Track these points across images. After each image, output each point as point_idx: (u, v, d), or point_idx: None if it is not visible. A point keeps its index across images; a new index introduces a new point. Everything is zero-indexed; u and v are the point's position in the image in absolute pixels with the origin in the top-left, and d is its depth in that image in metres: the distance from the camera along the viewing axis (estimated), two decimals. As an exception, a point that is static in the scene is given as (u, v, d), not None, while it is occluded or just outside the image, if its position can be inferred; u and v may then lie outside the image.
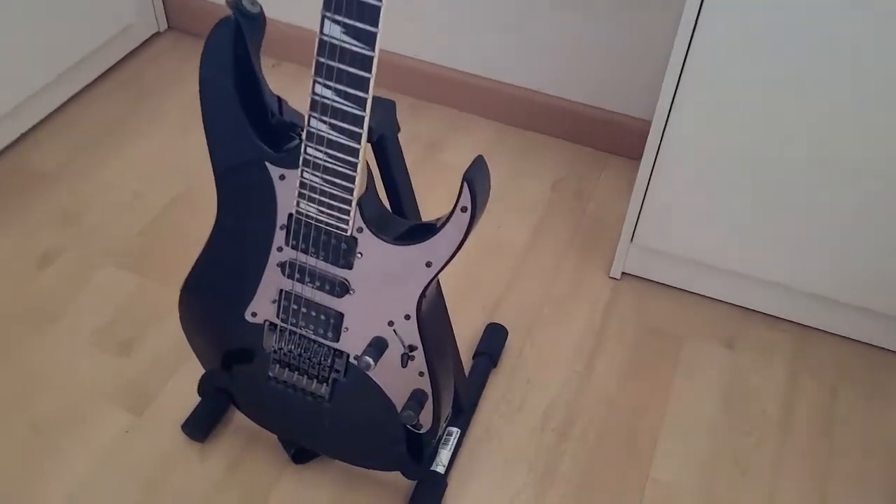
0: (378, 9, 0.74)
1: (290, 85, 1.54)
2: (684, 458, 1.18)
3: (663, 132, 1.21)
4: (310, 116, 0.83)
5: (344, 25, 0.76)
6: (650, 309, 1.37)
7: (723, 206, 1.26)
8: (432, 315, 0.96)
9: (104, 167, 1.51)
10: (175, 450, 1.12)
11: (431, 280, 0.89)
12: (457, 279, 1.31)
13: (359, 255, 0.90)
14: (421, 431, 1.00)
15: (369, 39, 0.77)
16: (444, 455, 1.10)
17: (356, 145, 0.83)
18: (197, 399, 1.12)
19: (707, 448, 1.20)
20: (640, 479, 1.15)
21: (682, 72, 1.15)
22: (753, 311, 1.38)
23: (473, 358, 1.25)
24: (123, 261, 1.35)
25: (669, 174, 1.25)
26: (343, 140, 0.83)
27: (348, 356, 0.97)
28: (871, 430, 1.23)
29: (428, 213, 0.95)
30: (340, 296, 0.93)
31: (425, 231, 0.88)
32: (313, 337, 0.97)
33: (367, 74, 0.79)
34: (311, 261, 0.92)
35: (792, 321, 1.37)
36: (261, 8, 0.84)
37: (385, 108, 0.88)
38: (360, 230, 0.89)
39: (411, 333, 0.93)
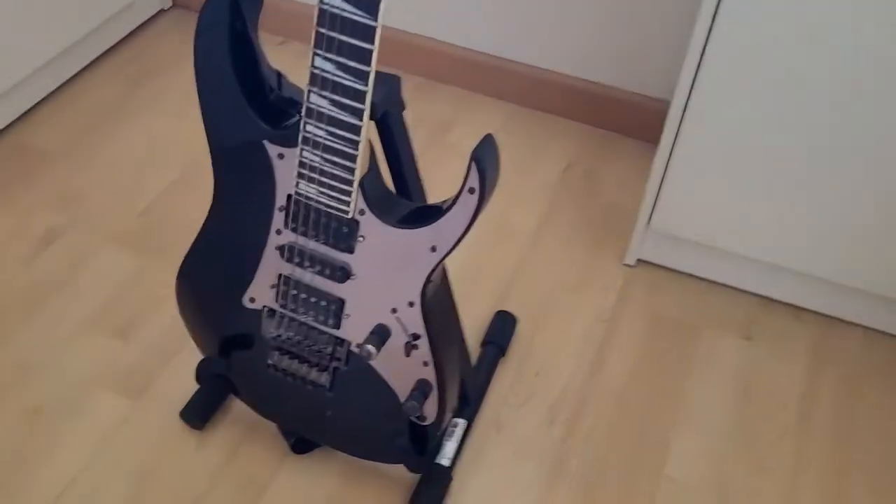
0: (380, -25, 0.70)
1: (297, 64, 1.49)
2: (699, 455, 1.14)
3: (683, 113, 1.17)
4: (309, 91, 0.79)
5: (344, -7, 0.72)
6: (665, 298, 1.33)
7: (744, 191, 1.21)
8: (438, 302, 0.92)
9: (106, 147, 1.47)
10: (172, 437, 1.09)
11: (437, 265, 0.85)
12: (463, 264, 1.27)
13: (360, 239, 0.86)
14: (425, 423, 0.96)
15: (371, 7, 0.72)
16: (450, 447, 1.06)
17: (358, 122, 0.79)
18: (196, 386, 1.08)
19: (723, 444, 1.15)
20: (651, 476, 1.11)
21: (704, 51, 1.11)
22: (773, 300, 1.33)
23: (481, 346, 1.21)
24: (124, 242, 1.32)
25: (689, 157, 1.21)
26: (344, 117, 0.79)
27: (350, 344, 0.93)
28: None
29: (434, 197, 0.91)
30: (341, 281, 0.89)
31: (431, 214, 0.83)
32: (313, 324, 0.93)
33: (369, 46, 0.75)
34: (311, 244, 0.88)
35: (813, 311, 1.32)
36: (258, -24, 0.80)
37: (389, 84, 0.83)
38: (361, 212, 0.84)
39: (415, 321, 0.89)
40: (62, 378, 1.14)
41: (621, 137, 1.58)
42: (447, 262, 0.86)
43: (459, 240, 0.83)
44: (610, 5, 1.48)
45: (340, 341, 0.93)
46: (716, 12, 1.07)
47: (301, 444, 1.07)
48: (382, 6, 0.72)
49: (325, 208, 0.85)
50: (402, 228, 0.84)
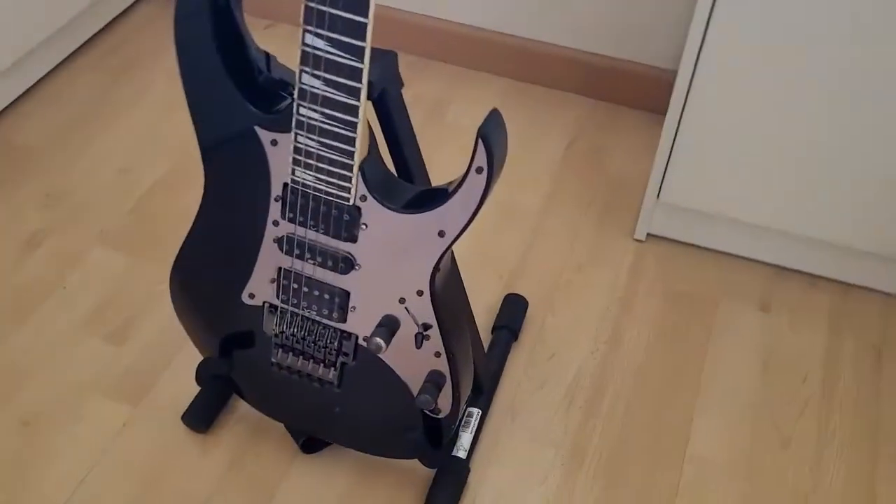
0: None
1: (287, 47, 1.44)
2: (722, 432, 1.10)
3: (690, 82, 1.13)
4: (301, 72, 0.74)
5: (335, -37, 0.67)
6: (679, 272, 1.28)
7: (756, 159, 1.17)
8: (447, 289, 0.87)
9: (90, 143, 1.42)
10: (176, 442, 1.04)
11: (445, 251, 0.80)
12: (469, 248, 1.22)
13: (363, 227, 0.81)
14: (439, 416, 0.92)
15: (364, -23, 0.67)
16: (465, 438, 1.02)
17: (355, 102, 0.74)
18: (197, 388, 1.04)
19: (746, 420, 1.12)
20: (675, 456, 1.07)
21: (709, 17, 1.06)
22: (790, 269, 1.29)
23: (492, 332, 1.16)
24: (114, 241, 1.27)
25: (698, 126, 1.16)
26: (340, 97, 0.74)
27: (357, 338, 0.88)
28: (922, 393, 1.15)
29: (436, 179, 0.86)
30: (345, 272, 0.84)
31: (436, 197, 0.79)
32: (317, 318, 0.88)
33: (363, 19, 0.70)
34: (310, 235, 0.83)
35: (831, 279, 1.28)
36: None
37: (386, 61, 0.79)
38: (363, 198, 0.80)
39: (425, 311, 0.84)
40: (57, 385, 1.09)
41: (624, 109, 1.53)
42: (453, 246, 0.81)
43: (468, 223, 0.78)
44: (607, -29, 1.42)
45: (347, 335, 0.89)
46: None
47: (310, 444, 1.03)
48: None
49: (325, 196, 0.80)
50: (407, 213, 0.79)
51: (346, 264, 0.84)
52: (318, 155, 0.78)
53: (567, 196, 1.39)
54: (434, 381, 0.88)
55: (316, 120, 0.76)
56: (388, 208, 0.79)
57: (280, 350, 0.93)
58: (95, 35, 1.60)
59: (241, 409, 1.07)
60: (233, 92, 0.78)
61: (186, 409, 1.04)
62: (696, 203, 1.25)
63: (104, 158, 1.39)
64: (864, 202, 1.17)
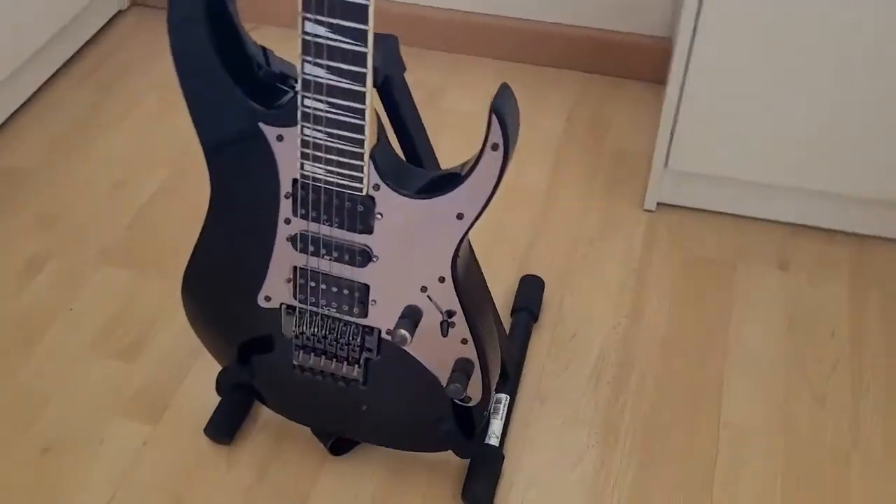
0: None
1: (274, 48, 1.41)
2: (755, 396, 1.08)
3: (690, 47, 1.11)
4: (303, 62, 0.71)
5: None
6: (693, 238, 1.26)
7: (762, 117, 1.15)
8: (468, 274, 0.85)
9: (82, 161, 1.39)
10: (200, 457, 1.02)
11: (465, 234, 0.78)
12: (479, 232, 1.18)
13: (378, 217, 0.79)
14: (470, 405, 0.89)
15: (364, -46, 0.64)
16: (496, 426, 1.00)
17: (361, 88, 0.71)
18: (216, 398, 1.01)
19: (778, 381, 1.10)
20: (710, 425, 1.05)
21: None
22: (805, 226, 1.27)
23: (511, 315, 1.14)
24: (115, 257, 1.24)
25: (702, 89, 1.15)
26: (346, 84, 0.72)
27: (380, 332, 0.86)
28: (950, 337, 1.14)
29: (442, 165, 0.84)
30: (363, 265, 0.82)
31: (451, 179, 0.76)
32: (338, 315, 0.86)
33: (364, 1, 0.67)
34: (324, 230, 0.81)
35: (847, 232, 1.26)
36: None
37: (387, 45, 0.76)
38: (376, 187, 0.77)
39: (448, 297, 0.82)
40: (74, 408, 1.06)
41: (621, 81, 1.51)
42: (470, 230, 0.79)
43: (487, 203, 0.76)
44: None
45: (370, 330, 0.86)
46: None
47: (339, 445, 1.00)
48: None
49: (336, 188, 0.78)
50: (423, 199, 0.77)
51: (364, 257, 0.81)
52: (327, 146, 0.75)
53: (572, 172, 1.36)
54: (462, 369, 0.86)
55: (322, 110, 0.73)
56: (403, 195, 0.77)
57: (301, 352, 0.90)
58: (78, 52, 1.57)
59: (264, 416, 1.05)
60: (234, 91, 0.76)
61: (208, 422, 1.02)
62: (704, 167, 1.23)
63: (97, 174, 1.36)
64: (875, 151, 1.15)
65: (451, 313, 0.83)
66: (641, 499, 0.99)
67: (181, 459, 1.02)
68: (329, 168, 0.77)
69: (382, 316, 0.85)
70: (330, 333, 0.88)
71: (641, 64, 1.48)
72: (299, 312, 0.87)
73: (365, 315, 0.85)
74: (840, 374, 1.10)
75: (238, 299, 0.89)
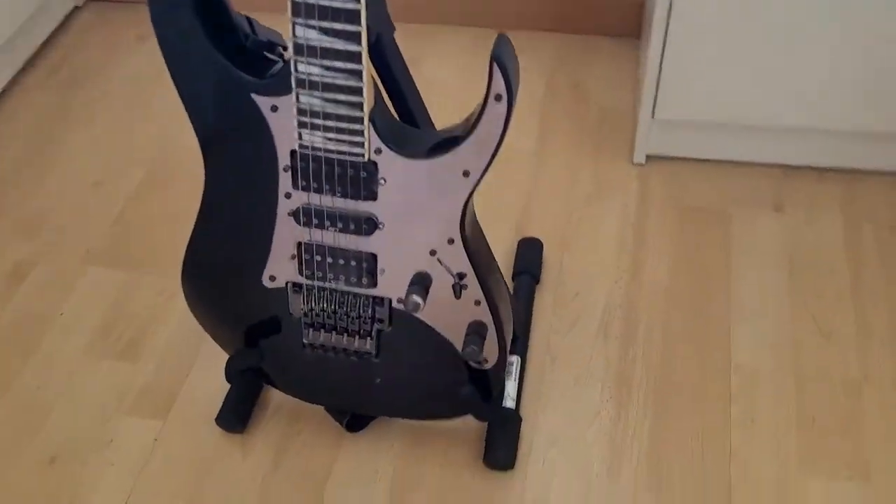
0: None
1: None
2: (763, 337, 1.08)
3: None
4: (294, 24, 0.69)
5: None
6: (686, 188, 1.26)
7: (746, 57, 1.15)
8: (476, 234, 0.84)
9: (55, 162, 1.35)
10: (214, 448, 1.00)
11: (472, 191, 0.77)
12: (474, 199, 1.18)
13: (382, 182, 0.77)
14: (486, 367, 0.88)
15: None
16: (511, 387, 0.99)
17: (356, 47, 0.70)
18: (226, 386, 0.99)
19: (784, 320, 1.10)
20: (721, 370, 1.05)
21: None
22: (795, 166, 1.28)
23: (513, 279, 1.13)
24: (102, 257, 1.21)
25: (685, 34, 1.14)
26: (339, 45, 0.70)
27: (390, 301, 0.85)
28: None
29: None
30: (369, 234, 0.80)
31: (454, 136, 0.75)
32: (346, 288, 0.84)
33: (355, -45, 0.65)
34: (326, 201, 0.79)
35: (837, 169, 1.27)
36: None
37: (377, 3, 0.74)
38: (378, 151, 0.75)
39: (459, 259, 0.80)
40: (79, 414, 1.04)
41: (595, 38, 1.50)
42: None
43: (493, 157, 0.74)
44: None
45: (380, 301, 0.85)
46: None
47: (355, 421, 0.99)
48: None
49: (337, 156, 0.76)
50: (427, 159, 0.75)
51: (369, 225, 0.80)
52: (325, 112, 0.73)
53: (558, 133, 1.35)
54: (477, 332, 0.85)
55: (317, 75, 0.71)
56: (406, 157, 0.75)
57: (311, 329, 0.88)
58: (36, 53, 1.52)
59: (275, 400, 1.03)
60: (224, 66, 0.74)
61: (219, 411, 1.00)
62: (692, 114, 1.23)
63: (74, 175, 1.33)
64: (863, 84, 1.15)
65: (461, 275, 0.82)
66: (661, 448, 0.98)
67: (195, 453, 1.00)
68: (328, 135, 0.75)
69: (392, 285, 0.83)
70: (339, 308, 0.86)
71: (615, 19, 1.48)
72: (307, 289, 0.86)
73: (374, 285, 0.84)
74: (844, 308, 1.11)
75: (241, 282, 0.87)
